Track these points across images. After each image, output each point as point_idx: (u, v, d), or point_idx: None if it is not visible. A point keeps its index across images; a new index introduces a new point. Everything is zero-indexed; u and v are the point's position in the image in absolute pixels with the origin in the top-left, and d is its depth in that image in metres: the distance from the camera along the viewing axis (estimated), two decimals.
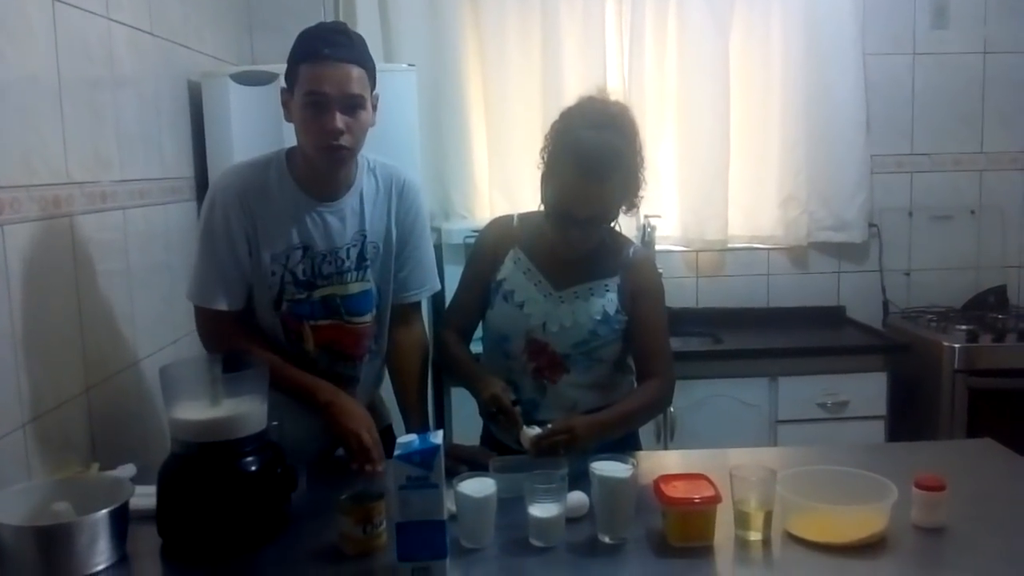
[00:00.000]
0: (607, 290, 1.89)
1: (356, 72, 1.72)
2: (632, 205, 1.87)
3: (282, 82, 1.80)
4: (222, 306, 1.83)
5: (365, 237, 1.87)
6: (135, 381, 2.18)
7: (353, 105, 1.73)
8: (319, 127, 1.71)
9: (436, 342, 2.00)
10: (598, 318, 1.86)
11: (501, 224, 2.00)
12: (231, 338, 1.83)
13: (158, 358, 2.29)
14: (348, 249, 1.85)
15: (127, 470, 1.76)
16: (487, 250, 1.96)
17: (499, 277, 1.92)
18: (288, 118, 1.79)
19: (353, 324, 1.89)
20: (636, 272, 1.92)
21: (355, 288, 1.88)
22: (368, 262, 1.88)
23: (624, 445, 1.91)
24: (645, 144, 1.85)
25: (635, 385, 1.98)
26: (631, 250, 1.94)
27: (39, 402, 1.74)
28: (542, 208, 1.85)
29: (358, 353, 1.93)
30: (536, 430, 1.71)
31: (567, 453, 1.68)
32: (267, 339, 1.87)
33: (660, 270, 3.26)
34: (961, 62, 3.56)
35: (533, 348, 1.88)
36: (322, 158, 1.77)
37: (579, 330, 1.86)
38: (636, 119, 1.84)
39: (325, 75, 1.69)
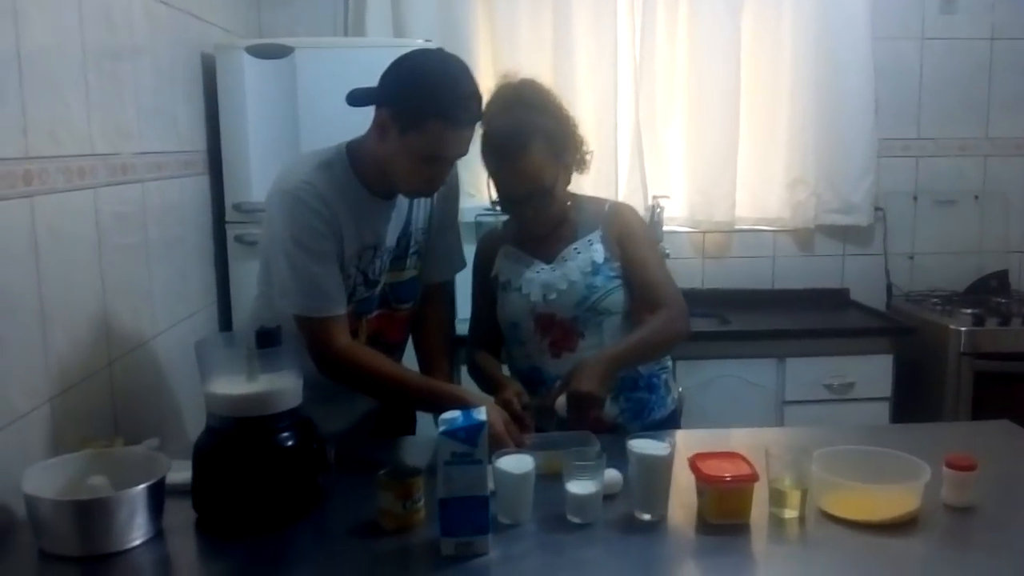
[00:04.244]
0: (591, 243, 1.93)
1: (473, 132, 1.72)
2: (579, 163, 1.93)
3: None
4: (341, 310, 1.74)
5: (411, 224, 1.86)
6: (153, 356, 2.17)
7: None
8: (426, 178, 1.72)
9: (469, 364, 2.03)
10: (588, 270, 1.90)
11: (488, 234, 2.09)
12: (355, 349, 1.75)
13: (174, 333, 2.29)
14: (399, 239, 1.85)
15: (151, 444, 1.75)
16: (482, 261, 2.04)
17: (494, 275, 1.99)
18: (381, 138, 1.70)
19: (400, 312, 1.90)
20: (616, 218, 1.97)
21: (403, 276, 1.88)
22: (414, 248, 1.88)
23: (663, 425, 1.96)
24: (563, 104, 1.92)
25: None
26: (607, 204, 2.00)
27: (65, 376, 1.73)
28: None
29: (401, 339, 1.94)
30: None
31: (600, 405, 1.73)
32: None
33: (667, 250, 3.37)
34: (968, 47, 3.57)
35: (542, 323, 1.91)
36: (410, 194, 1.80)
37: (576, 288, 1.89)
38: (544, 88, 1.91)
39: (453, 140, 1.67)
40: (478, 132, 1.84)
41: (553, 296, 1.90)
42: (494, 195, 1.88)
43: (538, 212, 1.87)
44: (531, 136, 1.80)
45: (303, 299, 1.70)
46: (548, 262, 1.93)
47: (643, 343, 1.84)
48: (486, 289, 2.01)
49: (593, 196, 2.04)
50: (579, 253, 1.92)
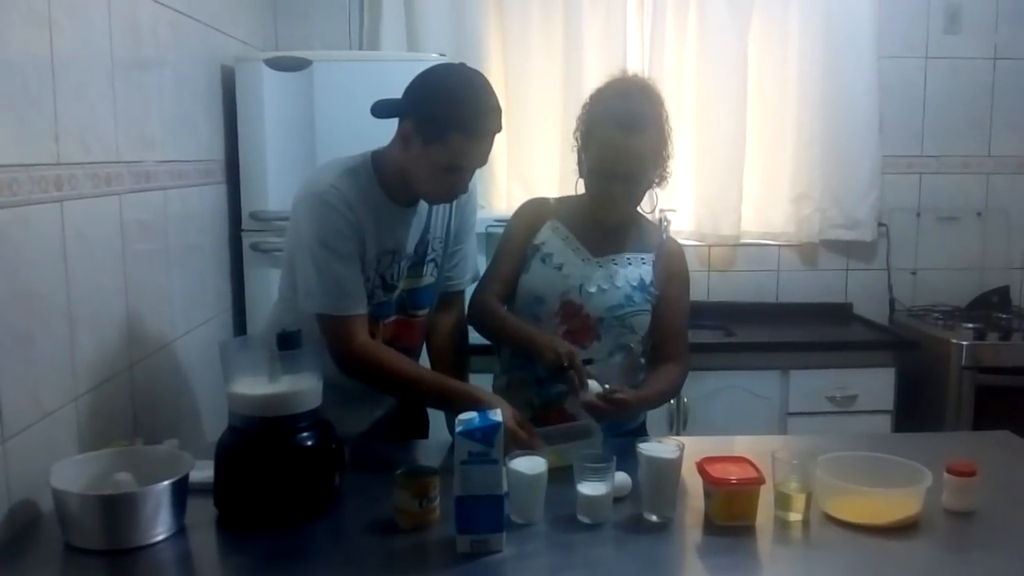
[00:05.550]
0: (643, 262, 1.98)
1: (492, 144, 1.77)
2: (661, 177, 1.96)
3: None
4: (362, 310, 1.78)
5: (429, 232, 1.91)
6: (171, 359, 2.21)
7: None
8: (448, 186, 1.78)
9: (476, 304, 2.01)
10: (635, 283, 1.95)
11: (538, 201, 2.09)
12: (374, 348, 1.80)
13: (192, 337, 2.34)
14: (417, 246, 1.89)
15: (171, 444, 1.80)
16: (524, 223, 2.04)
17: (536, 242, 2.00)
18: (404, 148, 1.75)
19: (416, 318, 1.94)
20: (671, 255, 2.02)
21: (420, 283, 1.92)
22: (432, 256, 1.92)
23: (634, 434, 1.98)
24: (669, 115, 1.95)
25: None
26: (665, 235, 2.06)
27: (90, 376, 1.77)
28: (580, 184, 1.96)
29: (416, 345, 1.99)
30: (598, 388, 1.79)
31: (610, 421, 1.81)
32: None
33: None
34: (972, 67, 3.62)
35: (567, 310, 1.94)
36: (433, 201, 1.85)
37: (616, 293, 1.94)
38: (661, 93, 1.94)
39: (473, 151, 1.72)
40: (499, 139, 1.88)
41: (592, 290, 1.94)
42: (591, 162, 1.90)
43: (624, 197, 1.91)
44: (651, 122, 1.87)
45: (326, 298, 1.75)
46: (597, 256, 1.97)
47: (662, 395, 1.99)
48: (519, 250, 2.01)
49: (651, 220, 2.08)
50: (630, 264, 1.97)
